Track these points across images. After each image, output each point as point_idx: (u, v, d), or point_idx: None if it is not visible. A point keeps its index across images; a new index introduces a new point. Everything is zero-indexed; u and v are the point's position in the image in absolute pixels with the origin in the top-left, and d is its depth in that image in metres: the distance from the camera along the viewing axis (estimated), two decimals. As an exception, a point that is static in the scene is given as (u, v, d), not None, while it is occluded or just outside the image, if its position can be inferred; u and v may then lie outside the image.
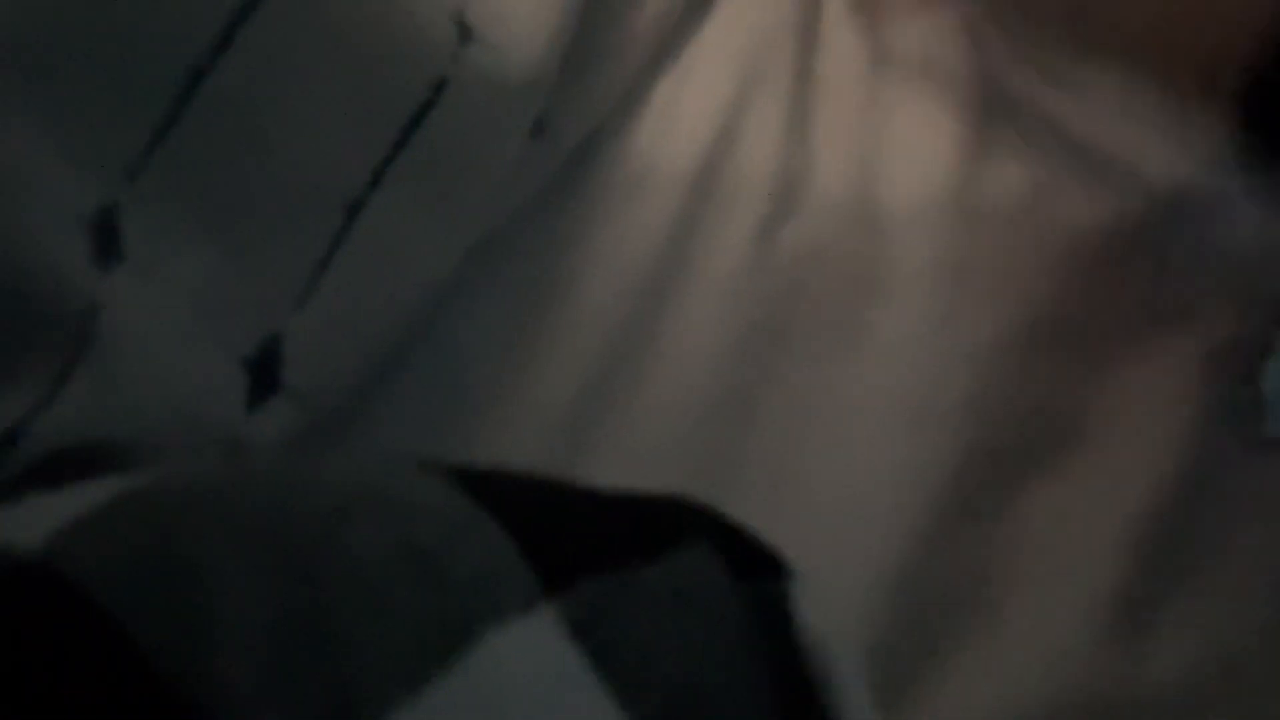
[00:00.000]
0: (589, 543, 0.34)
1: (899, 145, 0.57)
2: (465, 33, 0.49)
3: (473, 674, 0.31)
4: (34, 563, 0.31)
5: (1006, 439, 0.53)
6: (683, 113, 0.55)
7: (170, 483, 0.34)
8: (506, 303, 0.53)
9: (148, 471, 0.35)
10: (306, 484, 0.34)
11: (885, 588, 0.51)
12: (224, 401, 0.46)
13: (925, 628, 0.51)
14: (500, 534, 0.33)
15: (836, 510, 0.52)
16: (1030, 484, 0.53)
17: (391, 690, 0.30)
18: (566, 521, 0.34)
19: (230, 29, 0.45)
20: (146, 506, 0.33)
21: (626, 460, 0.52)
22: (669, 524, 0.34)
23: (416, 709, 0.30)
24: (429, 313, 0.51)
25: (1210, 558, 0.52)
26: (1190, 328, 0.55)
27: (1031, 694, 0.50)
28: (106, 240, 0.45)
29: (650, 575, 0.33)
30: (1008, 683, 0.50)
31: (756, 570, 0.34)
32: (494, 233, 0.52)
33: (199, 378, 0.46)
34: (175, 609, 0.30)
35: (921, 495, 0.52)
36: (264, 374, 0.47)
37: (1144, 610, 0.51)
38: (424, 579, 0.32)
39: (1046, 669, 0.50)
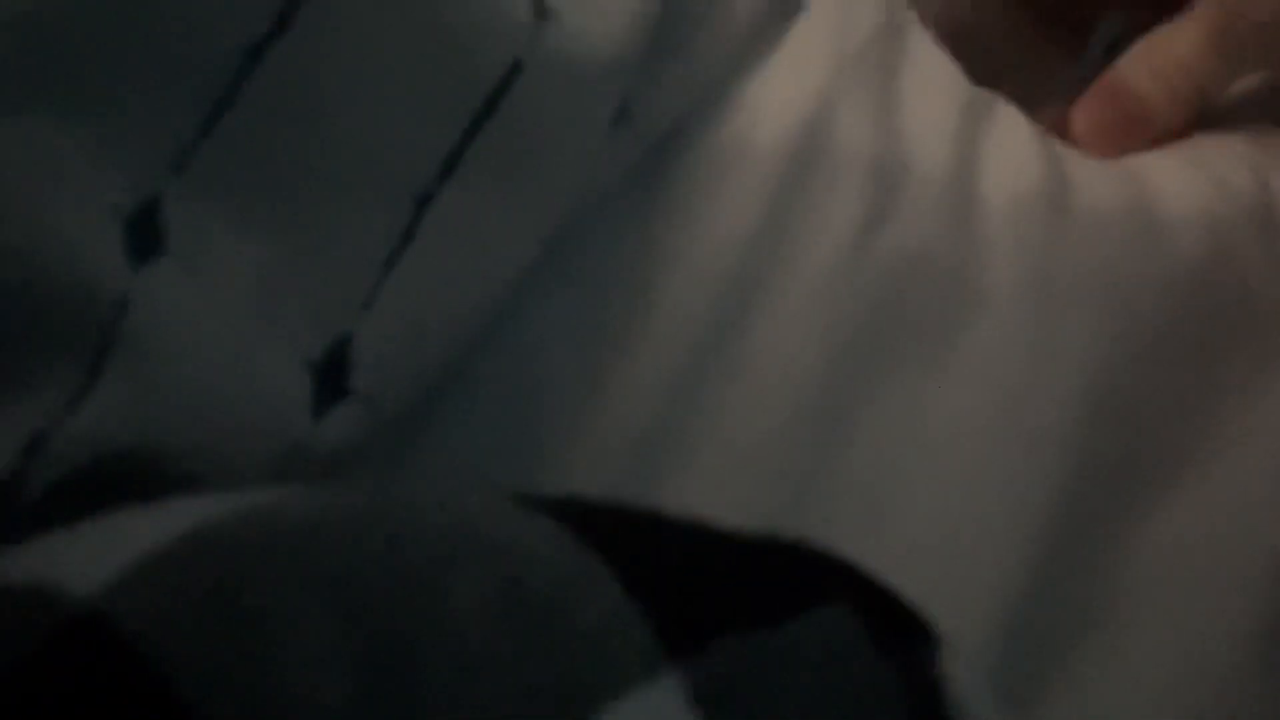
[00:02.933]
0: (718, 597, 0.30)
1: (998, 139, 0.54)
2: (542, 12, 0.46)
3: None
4: (88, 615, 0.28)
5: (1124, 461, 0.50)
6: (771, 105, 0.52)
7: (246, 520, 0.30)
8: (583, 304, 0.49)
9: (220, 502, 0.31)
10: (402, 526, 0.30)
11: (993, 625, 0.47)
12: (287, 407, 0.43)
13: (1039, 668, 0.47)
14: (618, 586, 0.29)
15: (939, 539, 0.48)
16: (1153, 509, 0.49)
17: None
18: (692, 571, 0.30)
19: (290, 6, 0.42)
20: (216, 550, 0.29)
21: (709, 479, 0.48)
22: (805, 577, 0.31)
23: None
24: (500, 313, 0.48)
25: None
26: None
27: None
28: (145, 234, 0.42)
29: (790, 636, 0.29)
30: None
31: (900, 635, 0.31)
32: (571, 228, 0.49)
33: (257, 381, 0.43)
34: (243, 678, 0.27)
35: (1032, 522, 0.49)
36: (331, 378, 0.44)
37: None
38: (533, 641, 0.28)
39: (1176, 717, 0.47)
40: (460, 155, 0.45)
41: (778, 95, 0.52)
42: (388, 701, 0.27)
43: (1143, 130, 0.56)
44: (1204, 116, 0.58)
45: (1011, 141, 0.54)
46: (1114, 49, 0.59)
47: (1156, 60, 0.57)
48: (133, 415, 0.41)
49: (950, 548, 0.48)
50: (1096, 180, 0.54)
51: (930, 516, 0.49)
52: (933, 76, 0.54)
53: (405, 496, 0.32)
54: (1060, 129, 0.57)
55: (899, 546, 0.47)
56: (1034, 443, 0.49)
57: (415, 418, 0.47)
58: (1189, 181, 0.54)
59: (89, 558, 0.29)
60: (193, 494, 0.33)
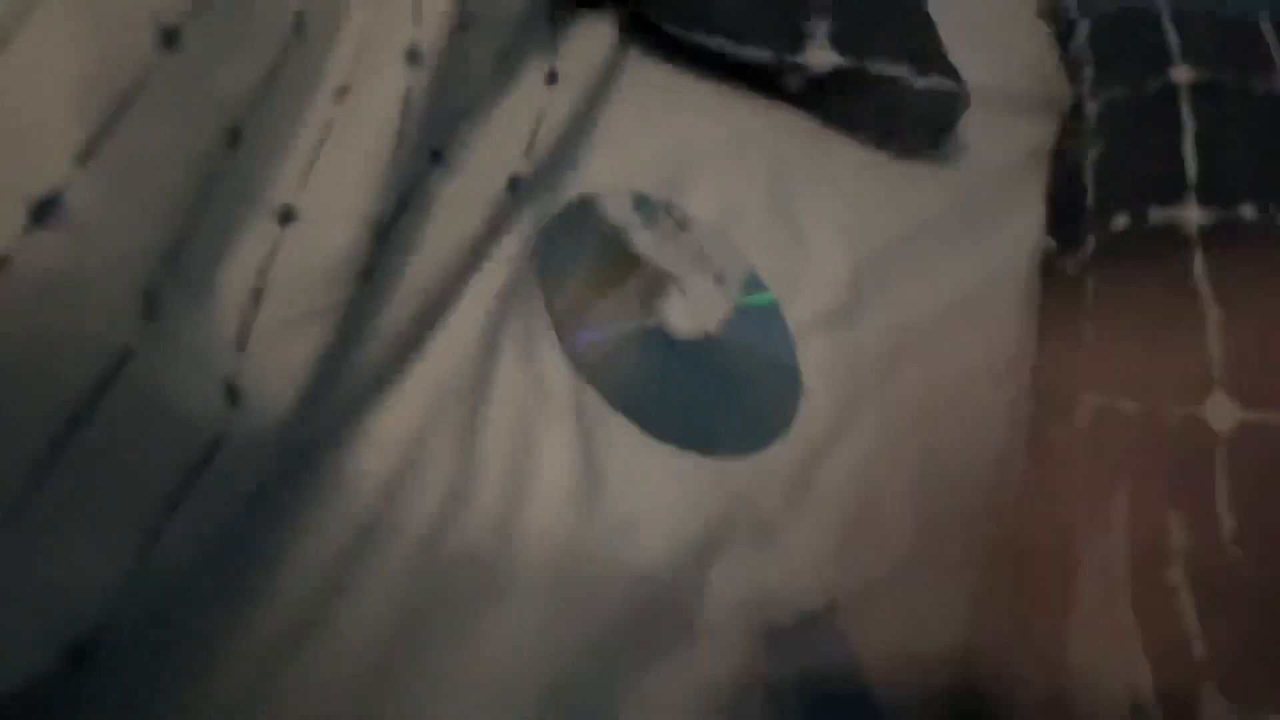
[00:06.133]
0: None
1: (545, 470, 0.59)
2: (234, 394, 0.50)
3: None
4: None
5: None
6: (378, 435, 0.57)
7: None
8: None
9: None
10: None
11: None
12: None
13: None
14: None
15: None
16: None
17: None
18: None
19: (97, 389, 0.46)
20: None
21: None
22: None
23: None
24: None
25: None
26: None
27: None
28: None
29: None
30: None
31: None
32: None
33: None
34: None
35: None
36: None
37: None
38: None
39: None
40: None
41: (386, 426, 0.57)
42: None
43: None
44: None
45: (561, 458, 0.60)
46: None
47: None
48: None
49: None
50: (628, 488, 0.60)
51: None
52: (509, 406, 0.59)
53: None
54: None
55: None
56: None
57: None
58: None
59: None
60: None
